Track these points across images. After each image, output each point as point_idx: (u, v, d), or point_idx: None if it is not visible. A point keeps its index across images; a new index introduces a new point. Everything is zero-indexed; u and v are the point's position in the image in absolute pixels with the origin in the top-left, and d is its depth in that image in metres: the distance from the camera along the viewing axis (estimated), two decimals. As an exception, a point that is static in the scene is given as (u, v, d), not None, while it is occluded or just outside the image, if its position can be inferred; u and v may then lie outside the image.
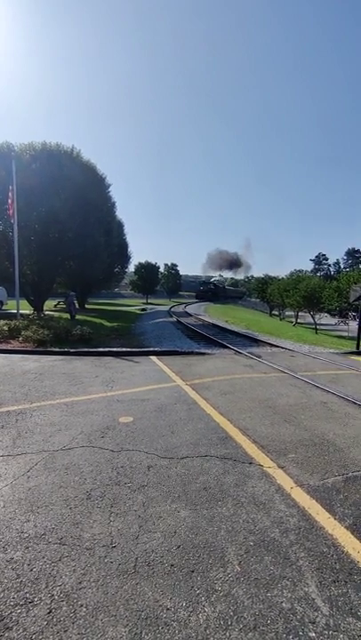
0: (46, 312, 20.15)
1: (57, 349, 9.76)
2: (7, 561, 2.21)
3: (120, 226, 31.97)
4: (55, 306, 27.75)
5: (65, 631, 1.77)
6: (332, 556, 2.32)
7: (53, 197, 18.01)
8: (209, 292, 61.36)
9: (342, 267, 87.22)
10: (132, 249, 36.67)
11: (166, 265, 68.62)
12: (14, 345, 10.26)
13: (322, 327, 28.80)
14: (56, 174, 18.19)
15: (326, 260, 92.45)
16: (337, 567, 2.23)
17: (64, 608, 1.90)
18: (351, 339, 19.60)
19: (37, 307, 20.28)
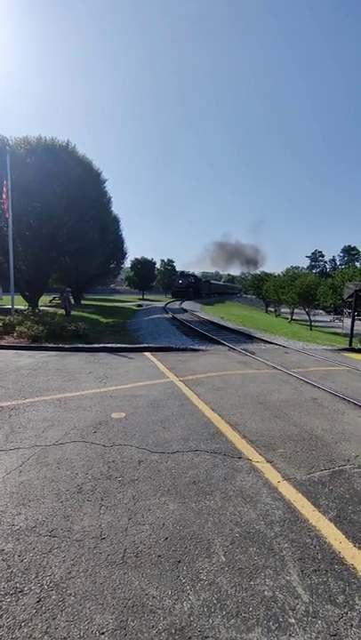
0: (41, 308, 20.08)
1: (51, 345, 9.78)
2: (-2, 552, 2.26)
3: (116, 221, 31.88)
4: (50, 301, 27.67)
5: (53, 619, 1.83)
6: (315, 546, 2.40)
7: (48, 192, 17.92)
8: (190, 286, 49.34)
9: (338, 264, 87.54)
10: (130, 245, 36.91)
11: (163, 261, 68.55)
12: (8, 340, 10.26)
13: (317, 324, 28.99)
14: (51, 169, 18.07)
15: (322, 256, 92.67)
16: (319, 557, 2.30)
17: (53, 597, 1.96)
18: (346, 335, 19.76)
19: (32, 302, 20.23)
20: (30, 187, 17.51)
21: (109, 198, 27.25)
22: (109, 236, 27.94)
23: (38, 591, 1.99)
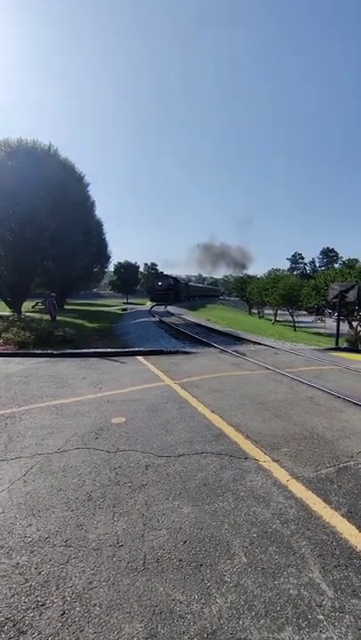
0: (26, 313, 19.62)
1: (40, 351, 9.56)
2: (13, 566, 2.18)
3: (99, 225, 31.62)
4: (33, 307, 27.05)
5: (81, 631, 1.77)
6: (332, 542, 2.43)
7: (31, 195, 17.58)
8: (170, 289, 45.28)
9: (318, 265, 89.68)
10: (116, 249, 36.47)
11: (146, 264, 68.46)
12: (-5, 348, 9.97)
13: (300, 324, 29.58)
14: (33, 172, 17.75)
15: (302, 258, 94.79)
16: (337, 553, 2.34)
17: (77, 608, 1.90)
18: (329, 335, 20.24)
19: (16, 308, 19.73)
20: (12, 190, 17.16)
21: (93, 202, 27.09)
22: (93, 239, 27.70)
23: (61, 604, 1.93)
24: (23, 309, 21.09)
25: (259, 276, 45.99)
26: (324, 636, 1.77)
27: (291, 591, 2.03)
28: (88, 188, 25.48)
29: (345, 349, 11.86)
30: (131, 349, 10.28)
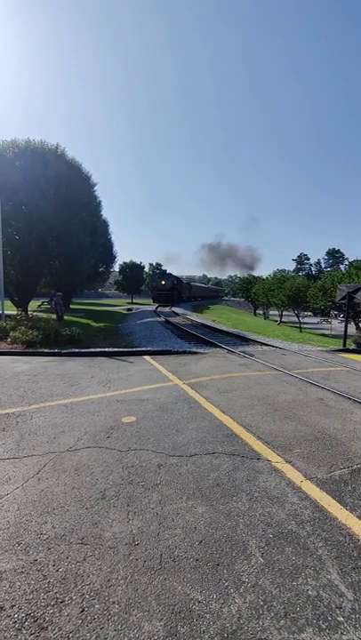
0: (33, 313, 19.72)
1: (47, 350, 9.61)
2: (31, 563, 2.19)
3: (105, 225, 31.71)
4: (39, 306, 27.20)
5: (101, 628, 1.78)
6: (349, 544, 2.41)
7: (38, 196, 17.69)
8: (173, 288, 41.82)
9: (323, 266, 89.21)
10: (122, 249, 36.51)
11: (151, 264, 68.50)
12: (2, 346, 10.04)
13: (305, 325, 29.45)
14: (40, 172, 17.85)
15: (308, 259, 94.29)
16: (355, 555, 2.32)
17: (96, 606, 1.91)
18: (335, 337, 20.13)
19: (22, 307, 19.84)
20: (19, 190, 17.26)
21: (99, 202, 27.14)
22: (99, 239, 27.77)
23: (80, 601, 1.94)
24: (29, 309, 21.21)
25: (264, 277, 45.84)
26: (345, 637, 1.76)
27: (310, 592, 2.02)
28: (95, 189, 25.56)
29: (353, 351, 11.78)
30: (138, 349, 10.29)
